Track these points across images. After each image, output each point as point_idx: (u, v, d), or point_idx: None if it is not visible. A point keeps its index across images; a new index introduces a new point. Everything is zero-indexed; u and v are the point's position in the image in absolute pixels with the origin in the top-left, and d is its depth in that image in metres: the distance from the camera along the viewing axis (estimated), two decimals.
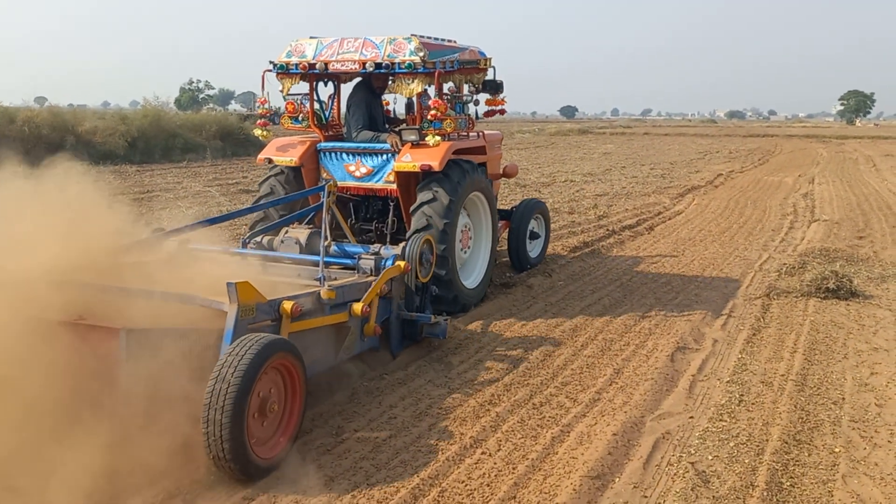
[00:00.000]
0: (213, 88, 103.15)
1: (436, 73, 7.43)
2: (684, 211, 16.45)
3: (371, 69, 7.53)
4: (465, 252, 8.13)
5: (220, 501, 4.09)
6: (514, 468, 4.53)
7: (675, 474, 4.49)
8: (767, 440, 4.93)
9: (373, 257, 6.35)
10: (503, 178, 10.18)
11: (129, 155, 26.52)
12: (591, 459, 4.62)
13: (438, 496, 4.20)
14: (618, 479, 4.45)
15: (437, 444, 4.84)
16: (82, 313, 4.52)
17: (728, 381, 5.99)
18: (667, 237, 13.05)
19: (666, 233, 13.56)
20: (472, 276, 8.20)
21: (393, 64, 7.43)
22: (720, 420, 5.24)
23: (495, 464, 4.59)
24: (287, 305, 4.75)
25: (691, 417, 5.33)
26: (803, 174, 25.33)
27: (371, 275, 6.18)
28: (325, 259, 6.15)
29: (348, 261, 6.60)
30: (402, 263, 6.30)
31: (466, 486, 4.33)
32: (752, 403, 5.54)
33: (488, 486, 4.34)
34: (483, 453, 4.72)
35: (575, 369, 6.23)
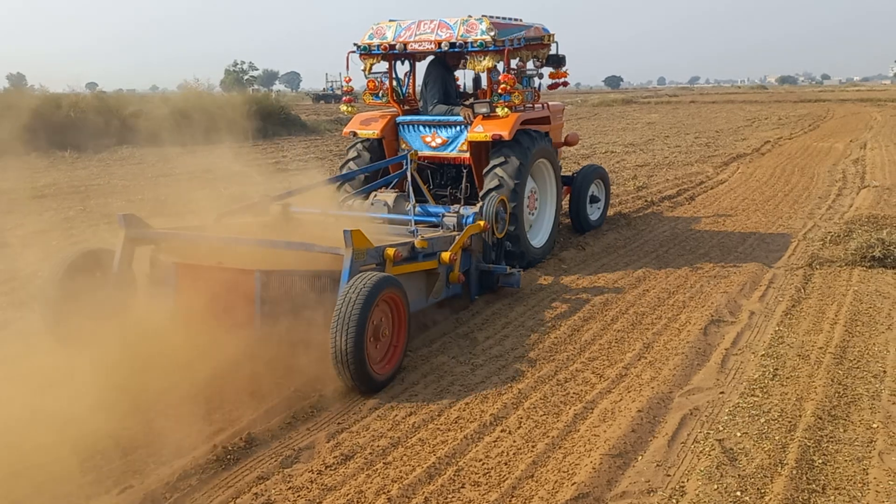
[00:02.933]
0: (258, 69, 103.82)
1: (505, 51, 8.10)
2: (728, 180, 16.00)
3: (446, 48, 8.27)
4: (532, 214, 8.78)
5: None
6: (533, 446, 4.42)
7: (700, 452, 4.33)
8: (801, 416, 4.73)
9: (455, 215, 7.24)
10: (564, 147, 10.71)
11: (171, 137, 26.77)
12: (613, 437, 4.48)
13: (454, 475, 4.11)
14: (640, 457, 4.31)
15: (456, 422, 4.75)
16: (221, 260, 5.65)
17: (763, 355, 5.77)
18: (707, 207, 12.70)
19: (707, 203, 13.20)
20: (538, 237, 8.87)
21: (466, 43, 8.14)
22: (752, 395, 5.04)
23: (514, 442, 4.48)
24: (390, 251, 5.55)
25: (722, 393, 5.14)
26: (855, 139, 24.44)
27: (454, 230, 7.05)
28: (414, 218, 7.39)
29: (431, 219, 7.61)
30: (482, 222, 7.17)
31: (484, 464, 4.23)
32: (787, 378, 5.32)
33: (506, 464, 4.24)
34: (503, 431, 4.62)
35: (603, 344, 6.07)
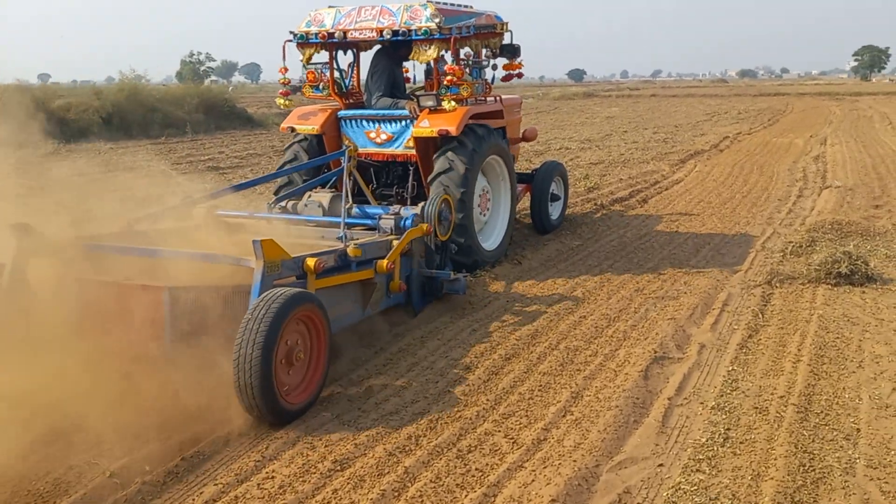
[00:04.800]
0: (215, 60, 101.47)
1: (451, 39, 7.53)
2: (684, 179, 15.11)
3: (388, 36, 7.69)
4: (484, 215, 8.30)
5: (249, 446, 4.30)
6: None
7: None
8: (757, 502, 3.72)
9: (392, 217, 6.60)
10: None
11: (103, 132, 25.30)
12: None
13: None
14: None
15: None
16: (128, 274, 5.07)
17: (713, 407, 4.76)
18: (661, 211, 11.75)
19: (661, 205, 12.25)
20: (490, 239, 8.37)
21: (410, 31, 7.56)
22: (697, 470, 4.02)
23: None
24: (311, 262, 5.01)
25: (660, 466, 4.11)
26: (815, 135, 23.79)
27: (392, 234, 6.43)
28: (347, 220, 6.69)
29: (369, 221, 6.92)
30: (424, 226, 6.63)
31: None
32: (741, 442, 4.31)
33: None
34: None
35: (524, 393, 5.01)
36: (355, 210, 7.36)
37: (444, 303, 6.91)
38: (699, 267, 8.30)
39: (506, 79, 8.86)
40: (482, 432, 4.48)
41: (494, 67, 8.59)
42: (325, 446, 4.30)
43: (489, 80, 8.51)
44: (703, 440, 4.34)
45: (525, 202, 10.15)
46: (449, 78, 7.63)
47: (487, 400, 4.90)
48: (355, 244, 5.68)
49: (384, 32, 7.64)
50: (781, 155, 18.91)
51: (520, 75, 8.87)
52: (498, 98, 8.83)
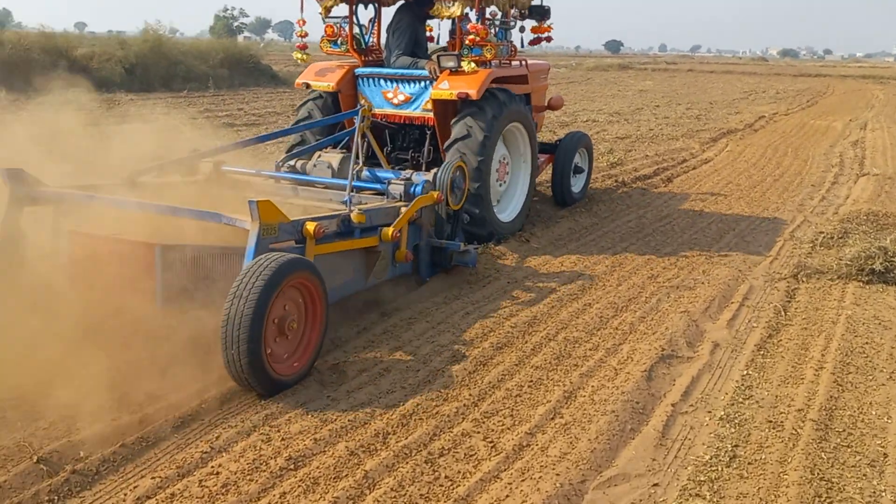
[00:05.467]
0: (248, 16, 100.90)
1: None
2: (713, 159, 14.40)
3: None
4: (502, 184, 7.92)
5: (199, 433, 3.91)
6: None
7: None
8: None
9: (402, 183, 6.19)
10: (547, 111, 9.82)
11: (126, 83, 24.99)
12: None
13: None
14: None
15: None
16: (123, 229, 4.81)
17: (721, 418, 4.25)
18: (686, 191, 11.12)
19: (686, 186, 11.61)
20: (508, 209, 8.02)
21: None
22: (697, 494, 3.53)
23: None
24: (310, 226, 4.74)
25: (656, 486, 3.62)
26: (855, 119, 22.78)
27: (401, 201, 6.07)
28: (356, 184, 6.40)
29: (379, 186, 6.51)
30: (435, 193, 6.23)
31: None
32: (749, 463, 3.81)
33: None
34: None
35: (511, 390, 4.52)
36: (365, 173, 6.99)
37: (452, 275, 6.52)
38: (721, 254, 7.72)
39: (533, 42, 8.44)
40: (459, 433, 4.01)
41: (522, 30, 8.24)
42: (282, 440, 3.86)
43: (515, 43, 8.11)
44: (707, 457, 3.85)
45: (547, 174, 9.71)
46: (471, 37, 7.23)
47: (470, 395, 4.42)
48: (360, 210, 5.36)
49: None
50: (818, 138, 18.07)
51: (549, 39, 8.46)
52: (523, 62, 8.34)
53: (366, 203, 6.09)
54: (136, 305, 4.50)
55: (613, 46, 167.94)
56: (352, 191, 6.23)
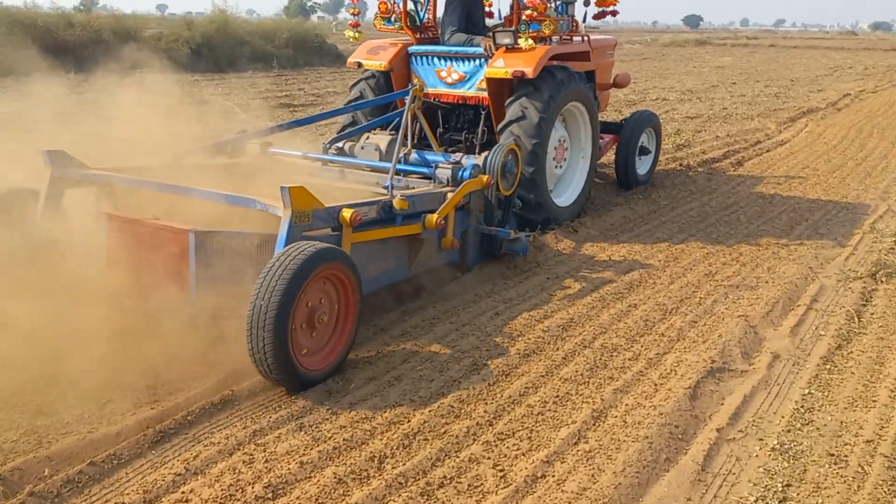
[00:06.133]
0: None
1: None
2: (790, 140, 13.42)
3: None
4: (560, 167, 7.59)
5: (178, 450, 3.57)
6: None
7: None
8: None
9: (450, 167, 5.89)
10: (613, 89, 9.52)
11: (192, 63, 25.18)
12: None
13: None
14: None
15: None
16: (161, 213, 4.69)
17: (774, 448, 3.67)
18: (757, 177, 10.30)
19: (758, 170, 10.78)
20: (565, 193, 7.66)
21: None
22: None
23: None
24: (347, 213, 4.54)
25: None
26: None
27: (448, 185, 5.79)
28: (403, 168, 6.21)
29: (426, 170, 6.22)
30: (484, 178, 5.89)
31: None
32: None
33: None
34: None
35: (533, 406, 4.02)
36: (414, 156, 6.71)
37: (487, 269, 6.13)
38: (790, 248, 7.00)
39: (598, 16, 7.99)
40: (466, 457, 3.54)
41: (587, 3, 7.89)
42: (266, 462, 3.46)
43: (578, 18, 7.78)
44: (752, 499, 3.28)
45: (611, 156, 9.28)
46: (528, 13, 6.87)
47: (485, 412, 3.94)
48: (402, 195, 5.09)
49: None
50: None
51: (614, 13, 8.04)
52: (586, 38, 7.96)
53: (412, 188, 5.84)
54: (169, 293, 4.35)
55: (692, 21, 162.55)
56: (396, 175, 5.88)
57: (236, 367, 4.12)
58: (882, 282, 6.06)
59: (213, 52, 26.23)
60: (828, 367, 4.58)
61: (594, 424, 3.85)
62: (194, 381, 4.08)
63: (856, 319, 5.29)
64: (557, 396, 4.13)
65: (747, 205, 8.68)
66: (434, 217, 5.24)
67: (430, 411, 3.91)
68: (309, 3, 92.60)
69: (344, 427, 3.76)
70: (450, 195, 5.53)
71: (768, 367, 4.56)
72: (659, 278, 6.14)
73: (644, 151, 9.22)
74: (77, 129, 13.26)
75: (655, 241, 7.18)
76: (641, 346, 4.81)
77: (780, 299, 5.66)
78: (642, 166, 9.29)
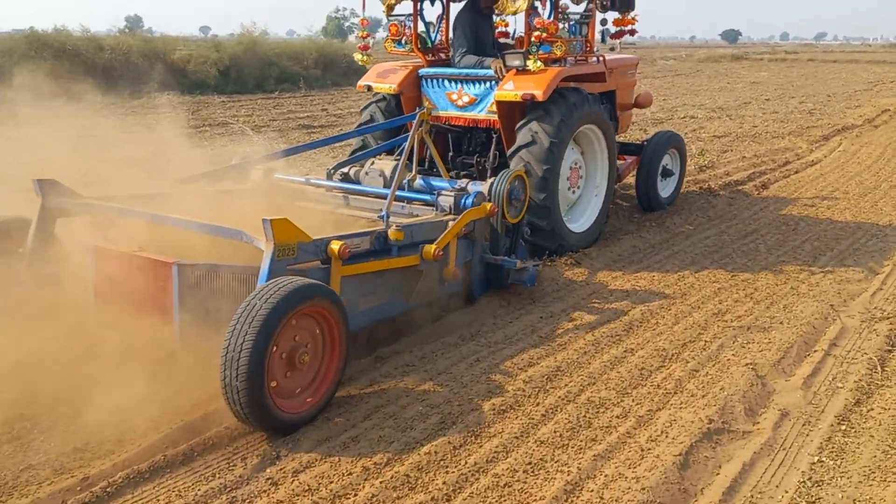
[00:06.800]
0: (360, 16, 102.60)
1: None
2: (821, 161, 12.79)
3: None
4: (574, 192, 7.39)
5: (200, 474, 3.52)
6: None
7: None
8: None
9: (453, 194, 5.70)
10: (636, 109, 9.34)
11: (220, 85, 25.33)
12: None
13: None
14: None
15: None
16: (143, 244, 4.61)
17: None
18: (782, 201, 9.73)
19: (784, 193, 10.20)
20: (581, 219, 7.43)
21: None
22: None
23: None
24: (335, 246, 4.32)
25: None
26: None
27: (450, 213, 5.59)
28: (406, 195, 6.02)
29: (429, 197, 5.94)
30: (487, 206, 5.65)
31: None
32: None
33: None
34: None
35: (500, 476, 3.55)
36: (419, 182, 6.43)
37: (491, 300, 5.85)
38: (811, 283, 6.46)
39: (616, 36, 7.91)
40: None
41: (604, 23, 7.76)
42: None
43: (594, 38, 7.69)
44: None
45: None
46: (538, 34, 6.69)
47: (445, 483, 3.49)
48: (397, 225, 4.88)
49: None
50: None
51: (632, 32, 7.88)
52: (601, 58, 7.75)
53: (415, 215, 5.70)
54: (153, 328, 4.28)
55: (731, 36, 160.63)
56: (399, 202, 5.83)
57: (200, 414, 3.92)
58: None
59: (240, 74, 26.35)
60: (843, 427, 4.06)
61: (566, 501, 3.39)
62: (165, 425, 3.84)
63: (878, 369, 4.75)
64: (530, 463, 3.67)
65: (769, 232, 8.12)
66: (432, 248, 5.00)
67: (381, 483, 3.48)
68: (347, 24, 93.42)
69: (281, 502, 3.35)
70: (452, 224, 5.29)
71: (774, 428, 4.05)
72: (662, 318, 5.64)
73: (667, 173, 8.96)
74: (90, 153, 13.15)
75: (664, 274, 6.68)
76: (633, 401, 4.32)
77: (795, 343, 5.13)
78: (665, 188, 9.01)
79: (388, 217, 5.12)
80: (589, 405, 4.24)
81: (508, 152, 6.82)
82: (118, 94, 21.66)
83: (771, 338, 5.24)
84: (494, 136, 7.39)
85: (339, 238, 4.40)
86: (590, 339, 5.17)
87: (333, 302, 4.03)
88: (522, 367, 4.72)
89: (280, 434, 3.83)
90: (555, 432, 3.94)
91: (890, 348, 5.09)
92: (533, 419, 4.08)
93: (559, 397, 4.33)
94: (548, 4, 7.32)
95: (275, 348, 3.74)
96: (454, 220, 5.37)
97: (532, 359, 4.83)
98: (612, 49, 8.43)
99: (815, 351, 5.06)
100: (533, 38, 6.76)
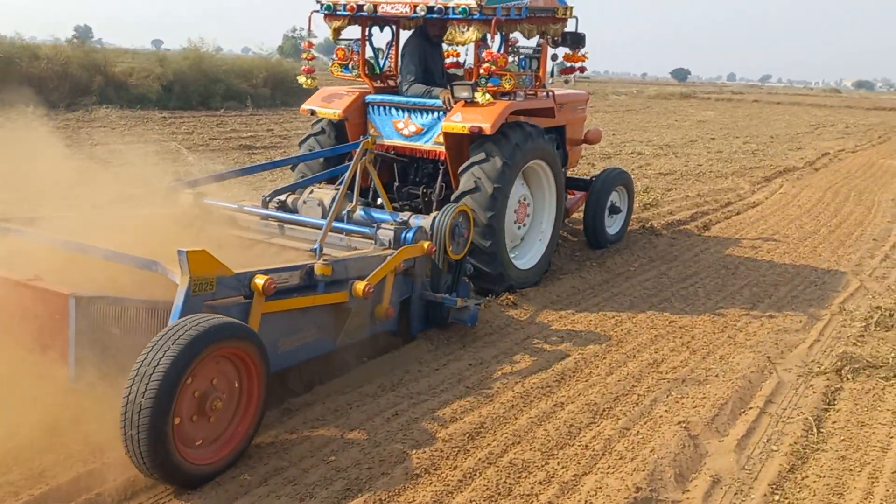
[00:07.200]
0: (317, 37, 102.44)
1: (493, 21, 6.48)
2: (763, 203, 12.82)
3: (422, 13, 6.72)
4: (521, 228, 7.23)
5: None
6: None
7: None
8: None
9: (392, 228, 5.46)
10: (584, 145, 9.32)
11: (163, 100, 24.62)
12: None
13: None
14: None
15: None
16: (39, 273, 4.20)
17: None
18: (723, 242, 9.65)
19: (725, 235, 10.13)
20: (526, 256, 7.27)
21: (447, 8, 6.59)
22: None
23: None
24: (260, 281, 4.07)
25: None
26: None
27: (390, 248, 5.37)
28: (347, 226, 5.80)
29: (369, 230, 5.71)
30: (425, 244, 5.46)
31: None
32: None
33: None
34: None
35: None
36: (359, 214, 6.19)
37: (432, 338, 5.63)
38: (748, 331, 6.30)
39: (566, 71, 7.82)
40: None
41: (555, 58, 7.73)
42: None
43: (544, 72, 7.62)
44: None
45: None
46: (486, 66, 6.56)
47: None
48: (325, 260, 4.62)
49: (418, 8, 6.69)
50: (888, 180, 16.24)
51: (582, 69, 7.85)
52: (551, 93, 7.66)
53: (354, 249, 5.50)
54: (45, 365, 3.90)
55: (680, 75, 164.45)
56: (339, 234, 5.64)
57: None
58: (848, 379, 5.34)
59: (185, 89, 25.69)
60: (776, 497, 3.83)
61: None
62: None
63: (814, 430, 4.55)
64: None
65: (708, 276, 7.99)
66: (362, 285, 4.72)
67: None
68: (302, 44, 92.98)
69: None
70: (388, 259, 5.06)
71: (704, 498, 3.80)
72: (596, 367, 5.39)
73: (615, 210, 8.89)
74: (9, 171, 12.48)
75: (601, 319, 6.45)
76: (558, 464, 4.03)
77: (730, 399, 4.91)
78: (613, 225, 8.96)
79: (320, 250, 4.87)
80: (511, 468, 3.93)
81: (452, 196, 6.63)
82: (52, 105, 20.85)
83: (705, 392, 5.02)
84: (442, 167, 7.21)
85: (265, 272, 4.13)
86: (519, 391, 4.88)
87: (252, 342, 3.78)
88: (444, 422, 4.40)
89: (189, 488, 3.55)
90: (471, 501, 3.62)
91: (826, 406, 4.91)
92: (448, 485, 3.75)
93: (480, 459, 4.01)
94: (497, 37, 7.24)
95: (182, 395, 3.46)
96: (392, 255, 5.15)
97: (455, 413, 4.51)
98: (566, 82, 8.36)
99: (751, 408, 4.85)
100: (482, 71, 6.64)
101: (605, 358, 5.57)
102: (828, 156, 20.00)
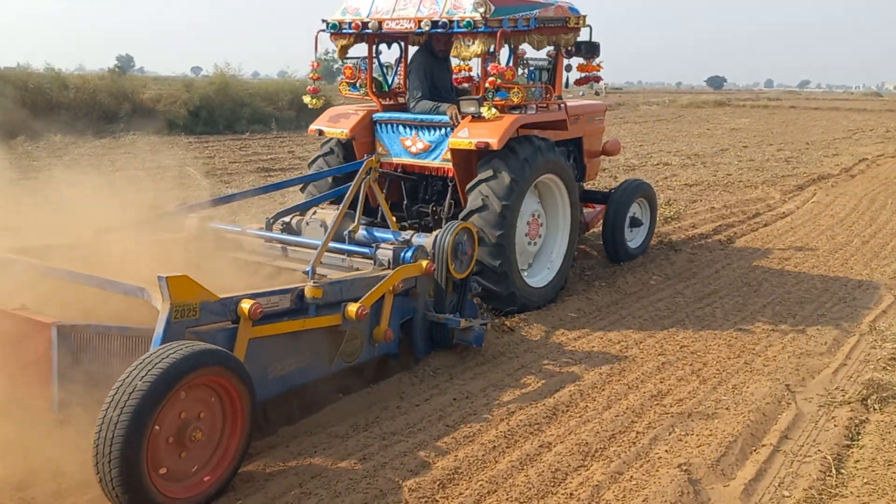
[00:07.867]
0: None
1: (498, 33, 6.34)
2: (794, 212, 12.23)
3: (427, 28, 6.58)
4: (534, 244, 7.03)
5: None
6: None
7: None
8: None
9: (391, 248, 5.30)
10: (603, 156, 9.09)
11: (190, 125, 24.82)
12: None
13: None
14: None
15: None
16: (27, 302, 4.20)
17: None
18: (747, 257, 9.11)
19: (750, 248, 9.59)
20: (539, 274, 7.07)
21: (451, 22, 6.45)
22: None
23: None
24: (246, 305, 3.95)
25: None
26: None
27: (389, 268, 5.20)
28: (347, 247, 5.64)
29: (369, 250, 5.50)
30: (424, 263, 5.26)
31: None
32: None
33: None
34: None
35: None
36: (361, 234, 5.95)
37: (415, 370, 5.29)
38: (767, 356, 5.79)
39: (580, 82, 7.68)
40: None
41: (569, 69, 7.58)
42: None
43: (557, 83, 7.51)
44: None
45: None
46: (491, 79, 6.40)
47: None
48: (315, 283, 4.44)
49: (422, 23, 6.54)
50: None
51: (597, 79, 7.74)
52: (563, 105, 7.46)
53: (356, 269, 5.29)
54: (30, 394, 3.87)
55: (716, 82, 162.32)
56: (341, 255, 5.50)
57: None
58: (875, 409, 4.81)
59: (211, 114, 25.89)
60: None
61: None
62: None
63: (832, 471, 4.05)
64: None
65: (728, 294, 7.48)
66: (355, 307, 4.53)
67: None
68: (336, 66, 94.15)
69: None
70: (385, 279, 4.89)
71: None
72: (594, 400, 4.94)
73: (636, 223, 8.65)
74: (24, 199, 12.43)
75: (605, 344, 6.00)
76: None
77: (740, 436, 4.42)
78: (634, 239, 8.70)
79: (313, 272, 4.65)
80: None
81: (461, 215, 6.44)
82: (79, 133, 21.04)
83: (713, 428, 4.53)
84: (450, 184, 7.06)
85: (252, 296, 4.01)
86: (503, 430, 4.45)
87: (234, 370, 3.62)
88: (416, 467, 3.99)
89: None
90: None
91: (849, 443, 4.40)
92: None
93: None
94: (505, 50, 7.04)
95: (157, 428, 3.32)
96: (388, 275, 4.95)
97: (429, 456, 4.11)
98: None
99: (763, 445, 4.37)
100: (488, 84, 6.47)
101: (603, 390, 5.12)
102: (865, 161, 19.21)
